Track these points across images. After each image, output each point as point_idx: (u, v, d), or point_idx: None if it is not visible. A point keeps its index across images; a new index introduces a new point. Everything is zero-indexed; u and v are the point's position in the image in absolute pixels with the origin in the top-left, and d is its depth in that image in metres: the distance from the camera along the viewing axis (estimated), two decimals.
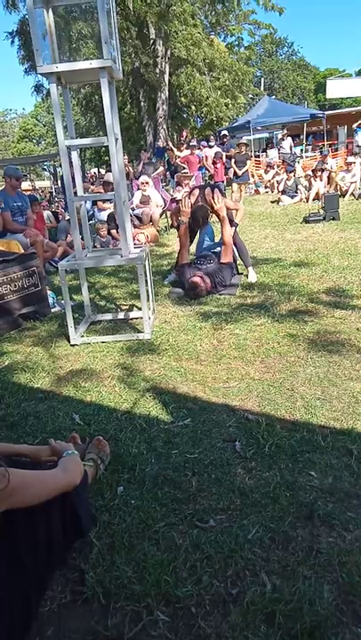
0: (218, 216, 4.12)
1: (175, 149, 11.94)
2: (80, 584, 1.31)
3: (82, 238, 3.38)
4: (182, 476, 1.70)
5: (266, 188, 12.28)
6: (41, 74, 2.83)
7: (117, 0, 12.96)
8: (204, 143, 13.21)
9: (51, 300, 3.97)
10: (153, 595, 1.25)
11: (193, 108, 21.07)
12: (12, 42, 17.61)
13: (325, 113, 18.84)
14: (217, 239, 4.60)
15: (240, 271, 4.40)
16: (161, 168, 11.18)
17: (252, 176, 12.51)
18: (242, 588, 1.26)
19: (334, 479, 1.63)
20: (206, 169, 11.84)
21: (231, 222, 4.20)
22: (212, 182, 10.56)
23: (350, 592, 1.23)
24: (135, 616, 1.21)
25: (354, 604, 1.20)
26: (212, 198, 4.07)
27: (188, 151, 11.48)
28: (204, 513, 1.52)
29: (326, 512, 1.49)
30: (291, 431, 1.92)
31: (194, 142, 12.74)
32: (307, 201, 9.39)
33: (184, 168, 10.55)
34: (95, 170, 22.28)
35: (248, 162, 10.66)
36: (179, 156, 11.38)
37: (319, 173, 9.65)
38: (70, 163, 2.98)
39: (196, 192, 4.25)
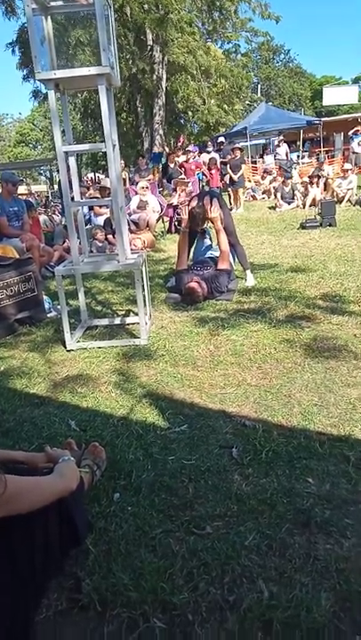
0: (213, 224, 4.15)
1: (176, 154, 11.99)
2: (76, 591, 1.30)
3: (79, 243, 3.38)
4: (179, 483, 1.70)
5: (263, 194, 12.35)
6: (39, 80, 2.85)
7: (115, 7, 13.04)
8: (195, 148, 13.28)
9: (47, 305, 3.96)
10: (149, 602, 1.25)
11: (190, 113, 21.21)
12: (13, 51, 17.71)
13: (322, 120, 19.04)
14: (214, 245, 4.63)
15: (238, 276, 4.41)
16: (151, 176, 11.20)
17: (249, 181, 12.60)
18: (239, 595, 1.26)
19: (331, 486, 1.63)
20: (203, 174, 11.91)
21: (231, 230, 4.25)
22: (209, 188, 10.62)
23: (348, 599, 1.23)
24: (132, 623, 1.21)
25: (351, 612, 1.20)
26: (209, 207, 4.09)
27: (185, 157, 11.55)
28: (201, 520, 1.52)
29: (324, 519, 1.48)
30: (288, 437, 1.92)
31: (190, 148, 12.80)
32: (303, 207, 9.44)
33: (181, 174, 10.60)
34: (92, 174, 22.35)
35: (243, 166, 10.74)
36: (179, 162, 11.42)
37: (316, 180, 9.71)
38: (68, 168, 2.98)
39: (196, 200, 4.29)
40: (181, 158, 11.57)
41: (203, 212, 4.10)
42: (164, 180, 11.47)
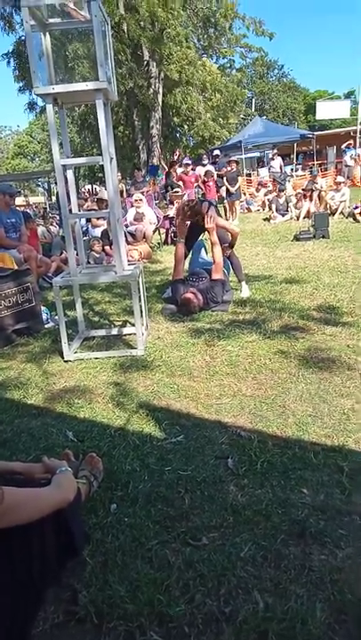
0: (210, 236, 4.19)
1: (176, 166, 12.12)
2: (73, 604, 1.30)
3: (76, 254, 3.40)
4: (175, 494, 1.70)
5: (258, 206, 12.48)
6: (38, 95, 2.90)
7: (112, 23, 13.26)
8: (189, 160, 13.42)
9: (44, 316, 3.97)
10: (146, 614, 1.25)
11: (186, 127, 21.48)
12: (8, 62, 17.92)
13: (315, 133, 19.35)
14: (209, 256, 4.67)
15: (233, 287, 4.45)
16: (146, 188, 11.28)
17: (244, 194, 12.74)
18: (235, 606, 1.27)
19: (326, 496, 1.65)
20: (200, 187, 12.02)
21: (227, 243, 4.29)
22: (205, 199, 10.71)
23: (343, 610, 1.24)
24: (128, 636, 1.21)
25: (347, 623, 1.21)
26: (206, 214, 4.13)
27: (182, 169, 11.68)
28: (197, 531, 1.53)
29: (318, 529, 1.49)
30: (283, 448, 1.94)
31: (187, 161, 12.93)
32: (297, 219, 9.55)
33: (179, 186, 10.70)
34: (89, 186, 22.49)
35: (239, 178, 10.87)
36: (177, 174, 11.52)
37: (309, 193, 9.83)
38: (65, 180, 3.02)
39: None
40: (180, 170, 11.68)
41: (198, 210, 4.15)
42: (168, 188, 11.55)
